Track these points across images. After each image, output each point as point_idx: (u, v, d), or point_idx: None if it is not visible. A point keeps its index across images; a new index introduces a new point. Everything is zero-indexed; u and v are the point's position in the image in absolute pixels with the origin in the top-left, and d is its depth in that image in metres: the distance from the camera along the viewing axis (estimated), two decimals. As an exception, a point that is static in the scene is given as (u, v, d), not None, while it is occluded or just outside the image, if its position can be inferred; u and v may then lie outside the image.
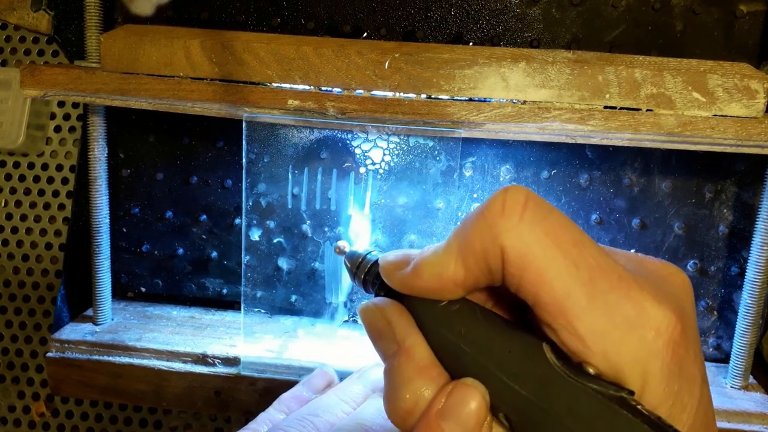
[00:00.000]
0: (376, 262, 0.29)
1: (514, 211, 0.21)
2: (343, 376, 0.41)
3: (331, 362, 0.44)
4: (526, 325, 0.23)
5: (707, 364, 0.49)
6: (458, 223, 0.24)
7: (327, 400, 0.37)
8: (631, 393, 0.20)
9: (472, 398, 0.22)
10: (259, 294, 0.47)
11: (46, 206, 0.56)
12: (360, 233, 0.45)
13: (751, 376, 0.46)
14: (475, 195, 0.49)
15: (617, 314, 0.20)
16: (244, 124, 0.43)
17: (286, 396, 0.39)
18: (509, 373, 0.21)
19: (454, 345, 0.23)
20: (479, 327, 0.23)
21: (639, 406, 0.19)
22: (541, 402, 0.20)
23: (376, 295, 0.28)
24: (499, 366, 0.21)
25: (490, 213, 0.22)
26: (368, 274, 0.29)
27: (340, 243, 0.34)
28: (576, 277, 0.20)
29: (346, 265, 0.31)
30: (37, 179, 0.55)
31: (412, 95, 0.40)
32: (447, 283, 0.23)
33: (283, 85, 0.41)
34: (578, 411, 0.19)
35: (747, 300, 0.44)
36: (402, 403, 0.23)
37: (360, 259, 0.30)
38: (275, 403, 0.38)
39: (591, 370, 0.20)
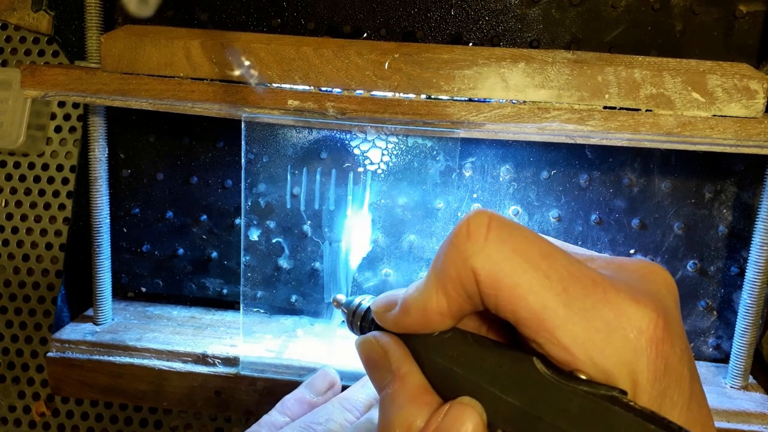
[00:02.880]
0: (369, 309, 0.30)
1: (479, 233, 0.22)
2: (343, 376, 0.41)
3: (330, 362, 0.44)
4: (519, 345, 0.24)
5: (707, 364, 0.49)
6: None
7: (330, 408, 0.37)
8: (623, 392, 0.20)
9: (469, 417, 0.22)
10: (258, 294, 0.47)
11: (47, 206, 0.56)
12: (359, 233, 0.45)
13: (750, 376, 0.46)
14: (474, 195, 0.49)
15: (596, 319, 0.20)
16: (243, 125, 0.43)
17: (288, 398, 0.39)
18: (502, 387, 0.21)
19: (447, 369, 0.23)
20: (470, 349, 0.23)
21: (631, 403, 0.19)
22: (535, 410, 0.20)
23: None
24: (491, 381, 0.22)
25: (458, 239, 0.22)
26: (364, 320, 0.30)
27: (338, 296, 0.37)
28: (549, 288, 0.21)
29: (344, 314, 0.33)
30: (37, 179, 0.56)
31: (411, 95, 0.40)
32: (433, 315, 0.24)
33: (283, 85, 0.41)
34: (571, 412, 0.20)
35: (747, 300, 0.44)
36: (396, 430, 0.23)
37: (354, 308, 0.31)
38: (278, 406, 0.39)
39: (582, 377, 0.20)
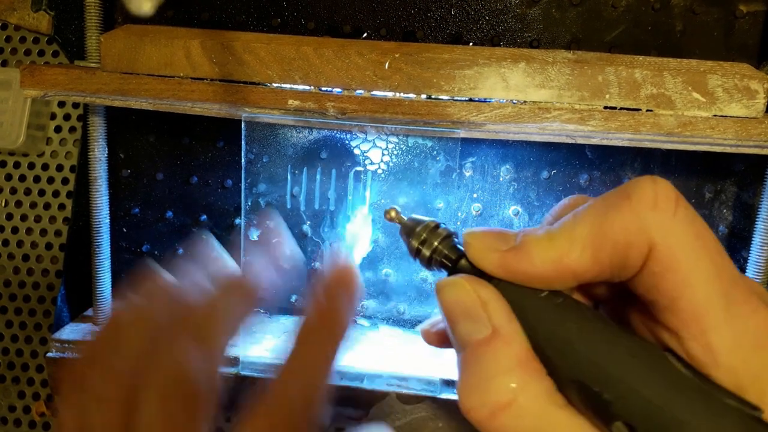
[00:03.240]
0: (450, 236, 0.25)
1: (668, 206, 0.20)
2: (343, 376, 0.41)
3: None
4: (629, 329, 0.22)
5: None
6: (578, 207, 0.22)
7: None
8: (762, 411, 0.19)
9: None
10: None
11: (47, 206, 0.56)
12: (359, 233, 0.45)
13: (751, 377, 0.46)
14: (475, 195, 0.49)
15: (748, 329, 0.19)
16: (243, 124, 0.43)
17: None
18: (636, 379, 0.19)
19: (563, 342, 0.20)
20: (593, 325, 0.21)
21: None
22: (675, 412, 0.18)
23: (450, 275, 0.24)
24: (624, 370, 0.19)
25: (640, 203, 0.20)
26: (437, 250, 0.24)
27: (392, 207, 0.27)
28: (719, 285, 0.19)
29: (405, 237, 0.26)
30: (37, 179, 0.55)
31: (412, 95, 0.40)
32: (565, 271, 0.21)
33: (284, 85, 0.41)
34: (719, 426, 0.18)
35: (747, 300, 0.44)
36: (494, 396, 0.20)
37: (427, 230, 0.25)
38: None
39: (717, 383, 0.19)
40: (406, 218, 0.26)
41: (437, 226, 0.25)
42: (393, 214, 0.27)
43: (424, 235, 0.25)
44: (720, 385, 0.19)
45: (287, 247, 0.37)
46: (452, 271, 0.24)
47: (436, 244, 0.24)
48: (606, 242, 0.20)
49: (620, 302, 0.22)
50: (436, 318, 0.27)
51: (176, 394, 0.28)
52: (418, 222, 0.25)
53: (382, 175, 0.44)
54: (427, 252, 0.25)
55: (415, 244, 0.25)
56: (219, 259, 0.36)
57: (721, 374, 0.19)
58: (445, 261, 0.24)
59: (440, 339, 0.27)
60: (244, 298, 0.32)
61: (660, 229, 0.20)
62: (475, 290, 0.22)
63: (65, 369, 0.32)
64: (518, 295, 0.22)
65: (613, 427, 0.19)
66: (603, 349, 0.20)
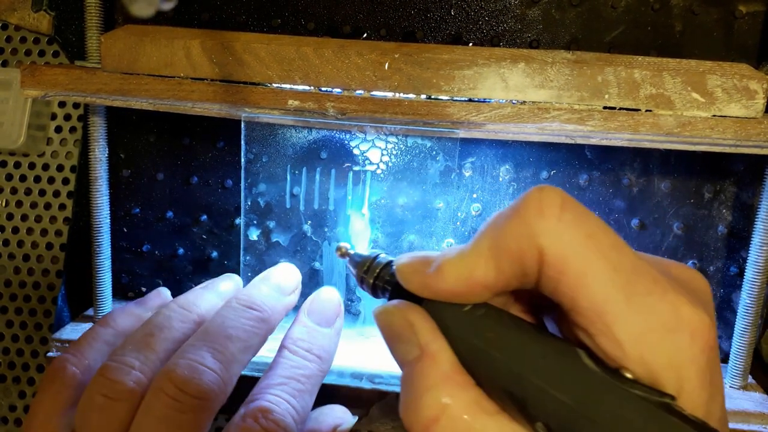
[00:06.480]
0: (387, 265, 0.27)
1: (552, 211, 0.21)
2: (343, 374, 0.41)
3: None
4: (551, 330, 0.23)
5: (707, 364, 0.49)
6: (485, 223, 0.23)
7: (166, 312, 0.35)
8: (673, 398, 0.19)
9: None
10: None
11: (47, 206, 0.56)
12: (359, 233, 0.45)
13: (750, 376, 0.46)
14: (474, 195, 0.49)
15: (655, 318, 0.20)
16: (242, 124, 0.43)
17: (116, 310, 0.38)
18: (547, 380, 0.20)
19: (483, 352, 0.22)
20: (509, 332, 0.22)
21: (686, 413, 0.19)
22: (584, 409, 0.19)
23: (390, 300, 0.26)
24: (536, 372, 0.20)
25: (527, 212, 0.21)
26: (378, 278, 0.27)
27: (342, 245, 0.32)
28: (615, 280, 0.20)
29: (351, 270, 0.29)
30: (37, 179, 0.56)
31: (411, 96, 0.40)
32: (475, 286, 0.22)
33: (283, 85, 0.41)
34: (626, 417, 0.19)
35: (746, 300, 0.44)
36: (426, 411, 0.21)
37: (368, 262, 0.28)
38: (104, 319, 0.37)
39: (628, 375, 0.20)
40: (352, 253, 0.29)
41: (378, 256, 0.28)
42: (343, 250, 0.31)
43: (368, 264, 0.28)
44: (628, 377, 0.19)
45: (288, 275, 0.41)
46: (393, 295, 0.26)
47: (377, 271, 0.27)
48: (503, 253, 0.21)
49: (551, 307, 0.23)
50: None
51: (185, 398, 0.29)
52: (363, 255, 0.29)
53: (382, 175, 0.44)
54: (370, 279, 0.27)
55: (359, 273, 0.28)
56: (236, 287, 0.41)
57: (633, 365, 0.20)
58: (386, 286, 0.27)
59: None
60: (260, 318, 0.35)
61: (546, 234, 0.20)
62: (403, 314, 0.24)
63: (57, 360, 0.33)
64: (444, 313, 0.23)
65: (536, 427, 0.20)
66: (517, 354, 0.21)
